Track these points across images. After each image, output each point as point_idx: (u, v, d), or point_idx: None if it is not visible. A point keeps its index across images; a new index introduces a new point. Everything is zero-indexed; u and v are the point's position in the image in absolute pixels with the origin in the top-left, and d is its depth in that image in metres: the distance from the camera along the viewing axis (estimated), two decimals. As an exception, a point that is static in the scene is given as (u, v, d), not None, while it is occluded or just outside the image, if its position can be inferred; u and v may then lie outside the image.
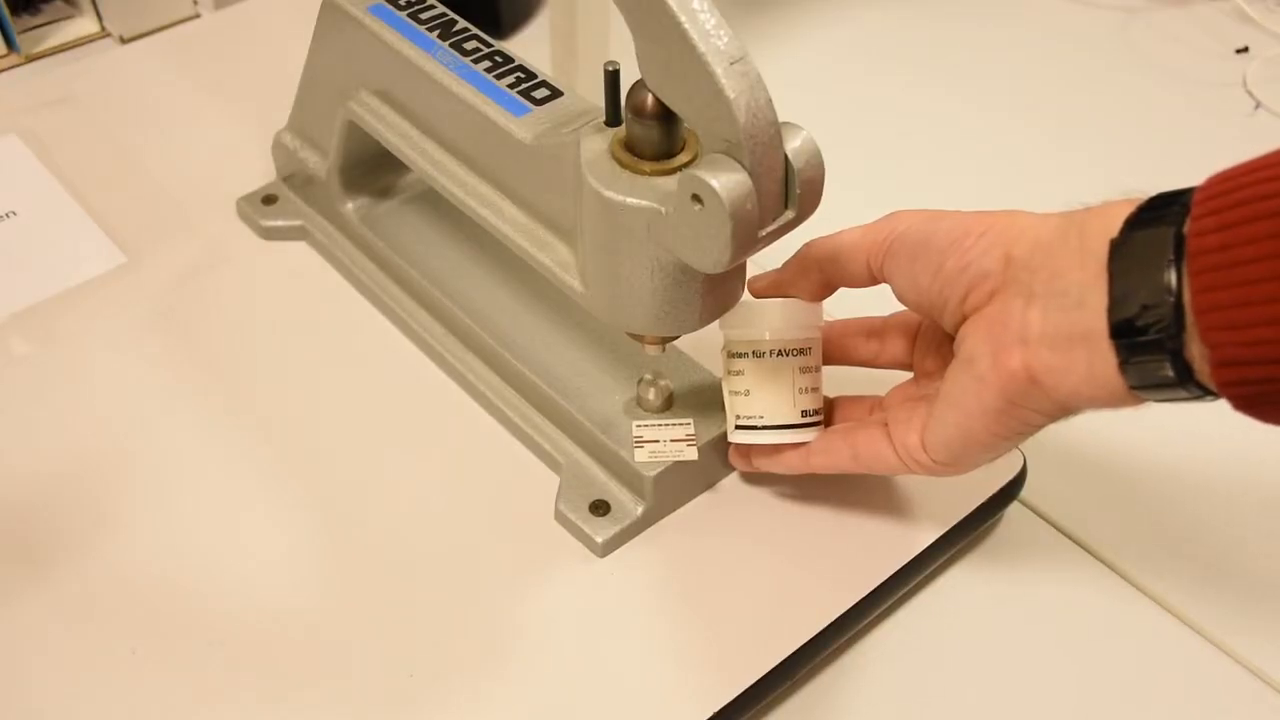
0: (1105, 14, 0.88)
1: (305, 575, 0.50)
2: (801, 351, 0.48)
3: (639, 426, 0.50)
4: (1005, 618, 0.51)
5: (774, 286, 0.49)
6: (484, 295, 0.58)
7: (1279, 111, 0.79)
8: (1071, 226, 0.39)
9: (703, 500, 0.52)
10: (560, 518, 0.51)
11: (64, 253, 0.64)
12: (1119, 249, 0.36)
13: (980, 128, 0.78)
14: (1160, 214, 0.36)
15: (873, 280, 0.46)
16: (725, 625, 0.48)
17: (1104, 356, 0.37)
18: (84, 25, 0.81)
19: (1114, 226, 0.37)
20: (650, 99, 0.41)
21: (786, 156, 0.40)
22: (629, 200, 0.42)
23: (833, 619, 0.48)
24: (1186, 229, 0.35)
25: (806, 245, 0.47)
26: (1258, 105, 0.80)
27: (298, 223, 0.64)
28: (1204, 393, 0.36)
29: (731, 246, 0.39)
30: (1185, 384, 0.35)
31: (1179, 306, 0.35)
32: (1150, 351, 0.35)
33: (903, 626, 0.50)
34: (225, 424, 0.55)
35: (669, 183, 0.42)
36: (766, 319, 0.48)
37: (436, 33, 0.52)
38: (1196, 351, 0.35)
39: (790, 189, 0.40)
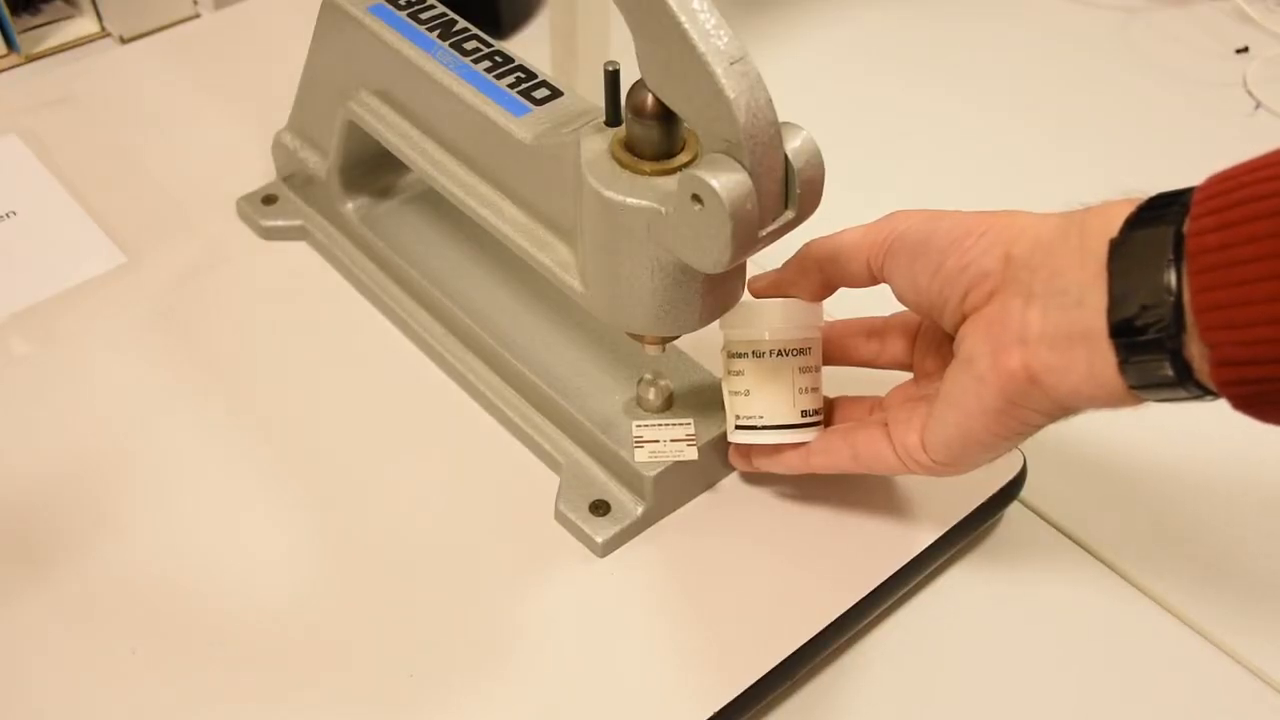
0: (1105, 14, 0.88)
1: (305, 575, 0.50)
2: (801, 351, 0.48)
3: (639, 426, 0.50)
4: (1005, 618, 0.51)
5: (774, 286, 0.49)
6: (484, 295, 0.58)
7: (1279, 111, 0.79)
8: (1071, 226, 0.39)
9: (703, 500, 0.52)
10: (560, 518, 0.51)
11: (64, 253, 0.64)
12: (1119, 248, 0.36)
13: (980, 127, 0.78)
14: (1160, 213, 0.36)
15: (873, 280, 0.46)
16: (725, 625, 0.48)
17: (1104, 356, 0.37)
18: (84, 25, 0.81)
19: (1114, 226, 0.37)
20: (650, 99, 0.41)
21: (786, 156, 0.39)
22: (629, 200, 0.42)
23: (833, 619, 0.47)
24: (1186, 228, 0.35)
25: (806, 245, 0.47)
26: (1258, 105, 0.80)
27: (298, 223, 0.64)
28: (1203, 392, 0.36)
29: (731, 246, 0.39)
30: (1185, 383, 0.35)
31: (1179, 306, 0.35)
32: (1150, 351, 0.35)
33: (903, 626, 0.50)
34: (225, 424, 0.55)
35: (669, 183, 0.42)
36: (766, 319, 0.48)
37: (436, 33, 0.52)
38: (1196, 351, 0.35)
39: (790, 189, 0.40)
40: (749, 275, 0.48)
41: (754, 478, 0.52)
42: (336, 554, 0.50)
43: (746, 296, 0.48)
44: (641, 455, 0.49)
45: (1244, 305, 0.33)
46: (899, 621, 0.51)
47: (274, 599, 0.49)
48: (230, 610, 0.48)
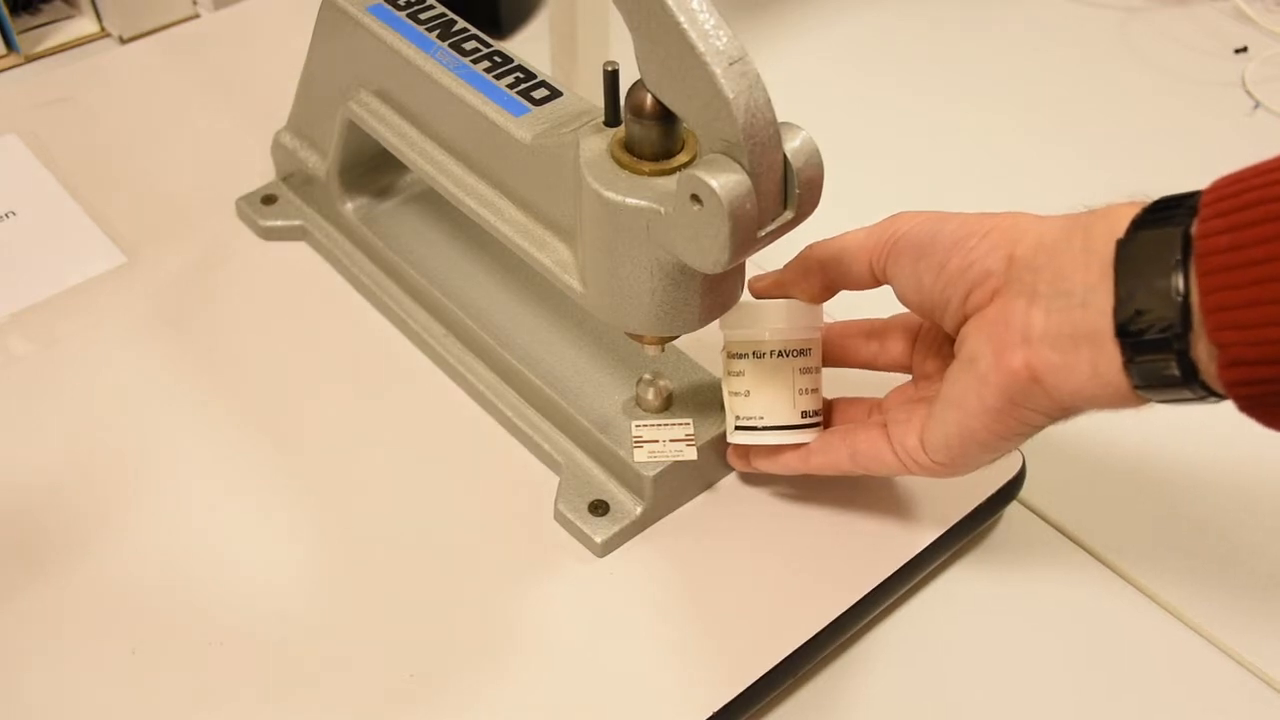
0: (1104, 13, 0.88)
1: (304, 575, 0.49)
2: (802, 352, 0.47)
3: (638, 426, 0.50)
4: (1004, 618, 0.51)
5: (775, 287, 0.49)
6: (484, 295, 0.58)
7: (1278, 111, 0.79)
8: (1075, 228, 0.39)
9: (702, 500, 0.52)
10: (559, 517, 0.51)
11: (63, 253, 0.64)
12: (1125, 249, 0.37)
13: (979, 127, 0.78)
14: (1167, 215, 0.36)
15: (875, 282, 0.46)
16: (725, 625, 0.48)
17: (1109, 356, 0.37)
18: (83, 25, 0.81)
19: (1119, 228, 0.37)
20: (649, 99, 0.41)
21: (785, 156, 0.39)
22: (628, 200, 0.42)
23: (832, 619, 0.47)
24: (1194, 230, 0.35)
25: (809, 247, 0.47)
26: (1257, 105, 0.79)
27: (297, 223, 0.64)
28: (1209, 393, 0.36)
29: (730, 246, 0.39)
30: (1190, 384, 0.36)
31: (1186, 306, 0.35)
32: (1156, 351, 0.35)
33: (902, 626, 0.50)
34: (225, 424, 0.55)
35: (668, 183, 0.42)
36: (767, 319, 0.47)
37: (436, 33, 0.52)
38: (1203, 352, 0.35)
39: (789, 189, 0.40)
40: (749, 275, 0.48)
41: (753, 478, 0.52)
42: (335, 554, 0.50)
43: (747, 297, 0.48)
44: (640, 455, 0.49)
45: (1254, 306, 0.33)
46: (898, 621, 0.50)
47: (273, 599, 0.48)
48: (230, 611, 0.48)
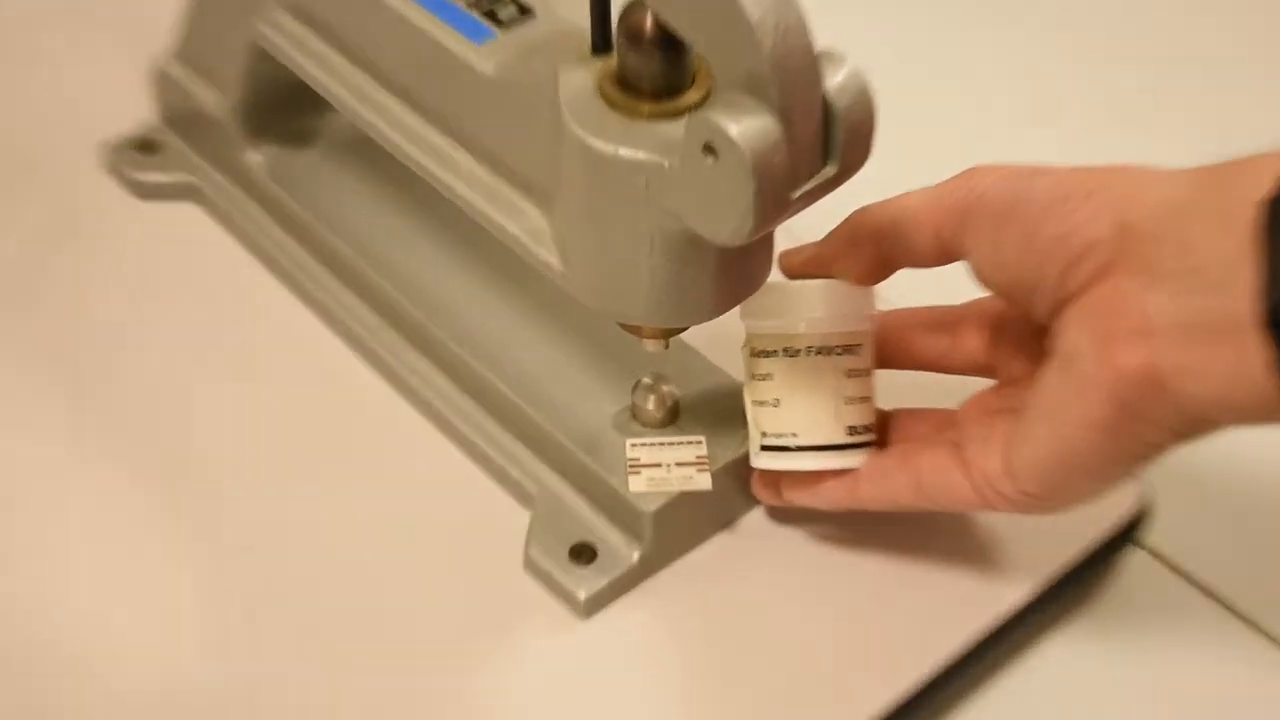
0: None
1: (198, 647, 0.50)
2: (848, 350, 0.48)
3: (635, 446, 0.51)
4: (1122, 700, 0.51)
5: (813, 263, 0.49)
6: (433, 275, 0.58)
7: None
8: (1208, 185, 0.40)
9: (717, 543, 0.52)
10: (531, 566, 0.51)
11: None
12: (1274, 212, 0.37)
13: (1072, 61, 0.77)
14: None
15: (943, 256, 0.46)
16: (745, 710, 0.48)
17: (1253, 353, 0.37)
18: (-99, -85, 0.82)
19: (1265, 183, 0.38)
20: (649, 20, 0.41)
21: (826, 95, 0.40)
22: (622, 151, 0.42)
23: (889, 704, 0.48)
24: None
25: (859, 212, 0.48)
26: None
27: (185, 177, 0.65)
28: None
29: (754, 211, 0.39)
30: None
31: None
32: None
33: (985, 713, 0.51)
34: (86, 441, 0.55)
35: (674, 128, 0.42)
36: (802, 307, 0.48)
37: (370, -70, 0.53)
38: None
39: (831, 137, 0.41)
40: (779, 249, 0.49)
41: (785, 514, 0.53)
42: (238, 617, 0.51)
43: (776, 277, 0.49)
44: (637, 484, 0.50)
45: None
46: (980, 707, 0.51)
47: (155, 680, 0.49)
48: (94, 698, 0.48)
